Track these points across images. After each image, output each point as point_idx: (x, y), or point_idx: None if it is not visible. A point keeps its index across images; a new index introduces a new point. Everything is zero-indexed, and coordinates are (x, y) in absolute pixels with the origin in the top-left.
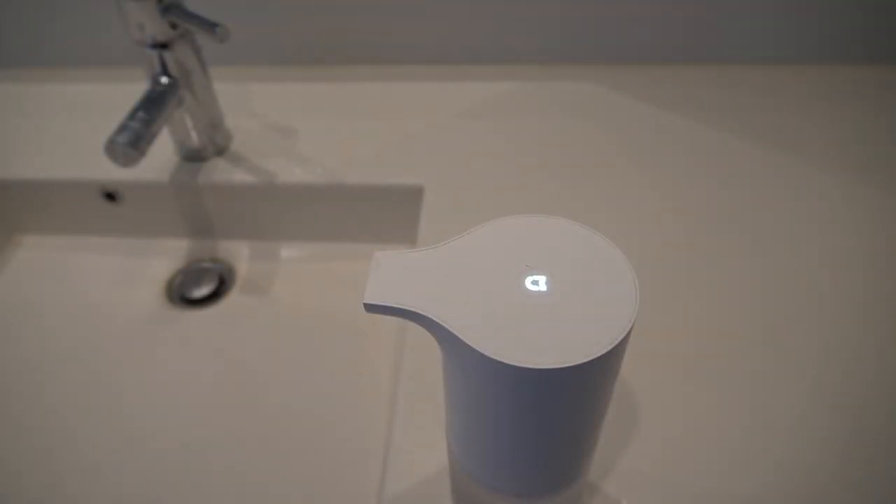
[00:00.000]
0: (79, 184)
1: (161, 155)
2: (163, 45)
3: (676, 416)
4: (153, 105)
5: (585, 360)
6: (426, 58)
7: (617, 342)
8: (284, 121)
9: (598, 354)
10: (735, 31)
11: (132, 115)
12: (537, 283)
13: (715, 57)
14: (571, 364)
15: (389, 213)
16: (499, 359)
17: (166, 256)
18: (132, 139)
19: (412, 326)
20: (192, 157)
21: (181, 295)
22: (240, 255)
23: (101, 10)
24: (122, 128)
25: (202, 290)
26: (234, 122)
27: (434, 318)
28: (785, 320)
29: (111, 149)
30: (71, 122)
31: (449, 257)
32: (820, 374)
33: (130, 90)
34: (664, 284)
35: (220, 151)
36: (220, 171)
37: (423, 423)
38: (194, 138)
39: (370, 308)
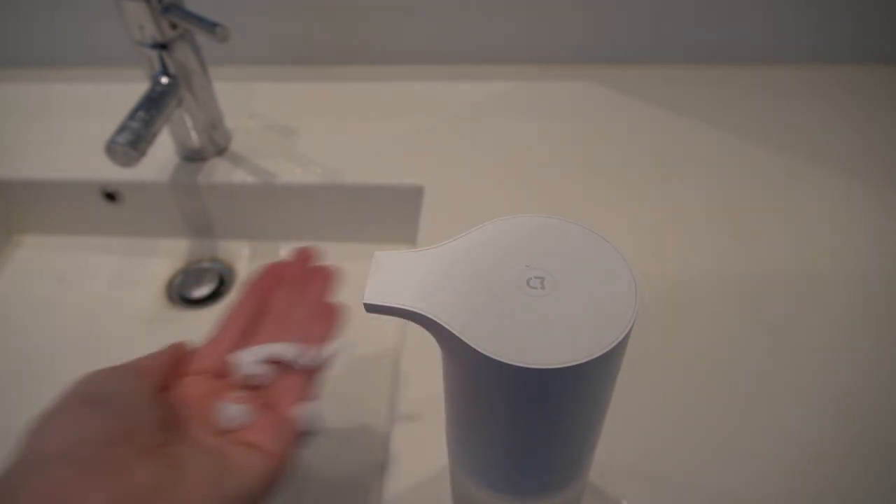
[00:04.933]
0: (79, 184)
1: (161, 155)
2: (163, 45)
3: (676, 416)
4: (153, 105)
5: (585, 360)
6: (426, 58)
7: (617, 342)
8: (284, 121)
9: (598, 354)
10: (735, 31)
11: (132, 115)
12: (537, 283)
13: (715, 57)
14: (571, 364)
15: (389, 213)
16: (499, 359)
17: (166, 256)
18: (132, 139)
19: (412, 326)
20: (192, 157)
21: (181, 295)
22: (240, 255)
23: (101, 10)
24: (122, 128)
25: (202, 290)
26: (234, 122)
27: (434, 318)
28: (786, 320)
29: (111, 149)
30: (71, 122)
31: (449, 257)
32: (821, 374)
33: (130, 90)
34: (664, 284)
35: (220, 151)
36: (220, 171)
37: (423, 424)
38: (194, 138)
39: (370, 308)
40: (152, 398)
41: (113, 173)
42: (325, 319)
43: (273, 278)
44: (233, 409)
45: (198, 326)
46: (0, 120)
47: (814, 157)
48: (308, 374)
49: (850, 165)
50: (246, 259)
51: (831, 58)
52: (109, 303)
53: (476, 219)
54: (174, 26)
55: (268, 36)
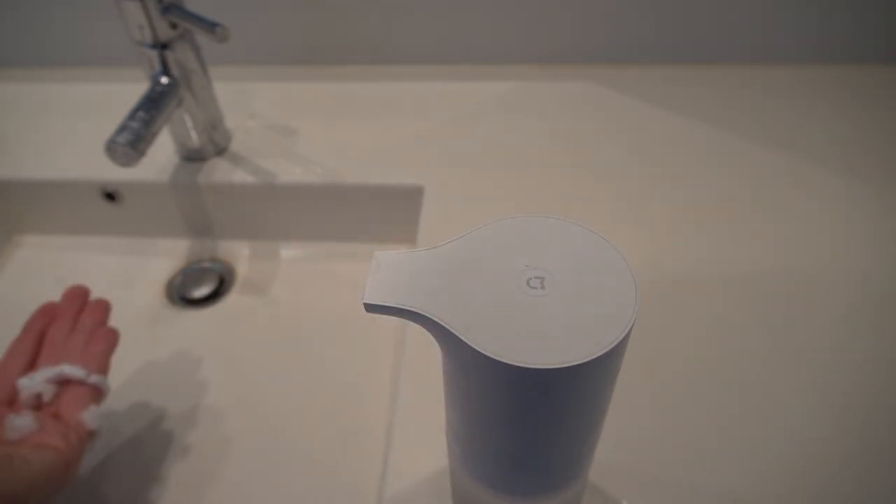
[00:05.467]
0: (79, 184)
1: (161, 155)
2: (163, 45)
3: (676, 416)
4: (153, 105)
5: (585, 360)
6: (426, 58)
7: (617, 342)
8: (284, 121)
9: (598, 354)
10: (735, 31)
11: (132, 115)
12: (537, 283)
13: (715, 57)
14: (571, 364)
15: (389, 213)
16: (499, 359)
17: (166, 256)
18: (132, 139)
19: (412, 326)
20: (192, 157)
21: (181, 295)
22: (240, 255)
23: (101, 10)
24: (122, 128)
25: (202, 290)
26: (234, 122)
27: (434, 318)
28: (786, 320)
29: (111, 149)
30: (71, 122)
31: (449, 257)
32: (822, 374)
33: (130, 90)
34: (664, 284)
35: (220, 151)
36: (220, 171)
37: (423, 423)
38: (194, 138)
39: (370, 308)
40: None
41: (113, 173)
42: (102, 341)
43: (47, 315)
44: (17, 420)
45: (198, 326)
46: (0, 120)
47: (814, 157)
48: (91, 386)
49: (850, 165)
50: (246, 259)
51: (831, 58)
52: None
53: (476, 219)
54: (174, 26)
55: (268, 36)
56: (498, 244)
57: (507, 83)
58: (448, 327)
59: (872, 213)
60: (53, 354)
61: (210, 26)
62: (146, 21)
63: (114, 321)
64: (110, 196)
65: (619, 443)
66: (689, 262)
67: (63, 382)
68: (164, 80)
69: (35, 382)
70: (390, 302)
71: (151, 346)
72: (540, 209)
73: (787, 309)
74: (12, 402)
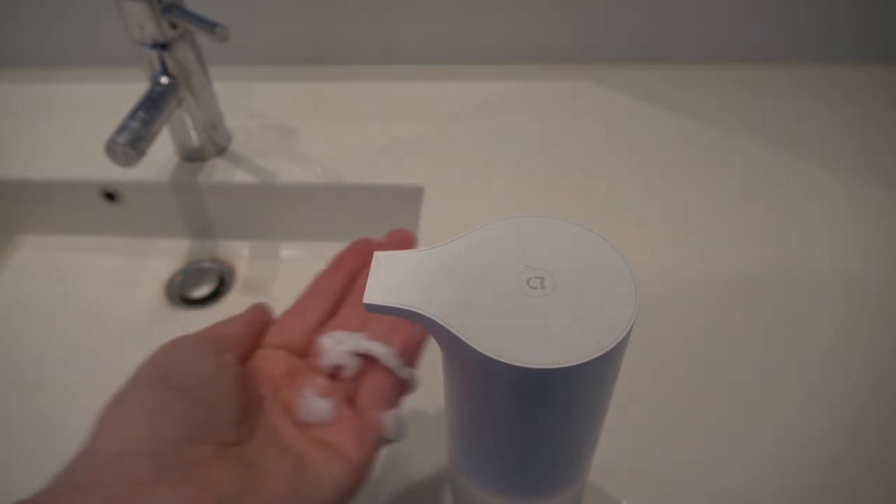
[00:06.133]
0: (79, 184)
1: (161, 155)
2: (163, 45)
3: (677, 417)
4: (153, 105)
5: (585, 360)
6: (426, 58)
7: (617, 342)
8: (284, 121)
9: (598, 354)
10: (735, 31)
11: (132, 115)
12: (537, 283)
13: (715, 57)
14: (571, 364)
15: (389, 213)
16: (499, 359)
17: (166, 256)
18: (132, 139)
19: None
20: (192, 157)
21: (181, 295)
22: (240, 255)
23: (101, 10)
24: (122, 128)
25: (202, 290)
26: (234, 122)
27: (434, 318)
28: (785, 321)
29: (111, 149)
30: (71, 122)
31: (449, 257)
32: (820, 374)
33: (130, 90)
34: (664, 284)
35: (220, 151)
36: (220, 171)
37: (423, 423)
38: (194, 138)
39: (370, 308)
40: (235, 380)
41: (113, 173)
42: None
43: (363, 256)
44: (318, 403)
45: (198, 326)
46: (0, 120)
47: (813, 158)
48: (397, 378)
49: (850, 166)
50: (246, 259)
51: (831, 58)
52: (109, 303)
53: (476, 219)
54: (174, 26)
55: (268, 36)
56: (498, 244)
57: (507, 83)
58: (448, 327)
59: (871, 214)
60: (360, 311)
61: (210, 26)
62: (146, 21)
63: (113, 321)
64: (110, 196)
65: (619, 443)
66: (689, 262)
67: (368, 359)
68: (164, 80)
69: (341, 349)
70: (390, 302)
71: (151, 346)
72: (540, 209)
73: (787, 309)
74: (306, 355)
